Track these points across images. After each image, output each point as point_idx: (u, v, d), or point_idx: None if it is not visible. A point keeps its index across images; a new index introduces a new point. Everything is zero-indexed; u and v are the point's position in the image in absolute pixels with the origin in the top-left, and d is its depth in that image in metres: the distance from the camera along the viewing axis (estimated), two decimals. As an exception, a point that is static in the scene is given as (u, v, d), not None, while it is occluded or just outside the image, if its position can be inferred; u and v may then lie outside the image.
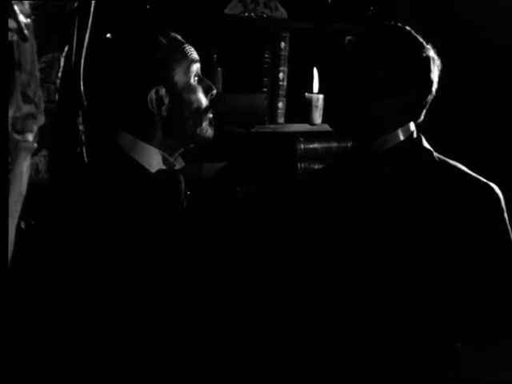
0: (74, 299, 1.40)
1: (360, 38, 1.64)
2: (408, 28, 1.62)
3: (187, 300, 1.54)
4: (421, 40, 1.59)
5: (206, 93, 1.56)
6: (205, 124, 1.55)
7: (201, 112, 1.53)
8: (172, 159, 1.56)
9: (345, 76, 1.61)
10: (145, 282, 1.46)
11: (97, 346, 1.42)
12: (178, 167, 1.57)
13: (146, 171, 1.52)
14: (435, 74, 1.59)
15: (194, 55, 1.54)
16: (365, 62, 1.56)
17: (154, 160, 1.52)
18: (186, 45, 1.53)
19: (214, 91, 1.57)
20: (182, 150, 1.58)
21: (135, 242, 1.45)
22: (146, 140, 1.51)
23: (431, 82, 1.59)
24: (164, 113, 1.50)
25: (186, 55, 1.52)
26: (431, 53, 1.59)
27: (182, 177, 1.59)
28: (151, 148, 1.52)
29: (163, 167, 1.54)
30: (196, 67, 1.54)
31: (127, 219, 1.45)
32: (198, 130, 1.54)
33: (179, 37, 1.54)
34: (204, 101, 1.55)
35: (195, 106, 1.52)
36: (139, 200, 1.48)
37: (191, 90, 1.52)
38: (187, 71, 1.52)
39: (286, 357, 1.69)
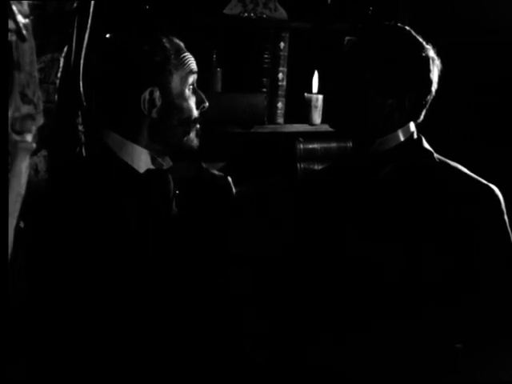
0: (72, 295, 1.41)
1: (360, 38, 1.64)
2: (408, 28, 1.62)
3: (180, 300, 1.54)
4: (420, 40, 1.59)
5: (198, 105, 1.57)
6: (192, 134, 1.56)
7: (190, 122, 1.55)
8: (160, 159, 1.56)
9: (344, 76, 1.61)
10: (136, 281, 1.46)
11: (94, 341, 1.43)
12: (166, 167, 1.58)
13: (135, 171, 1.52)
14: (435, 74, 1.59)
15: (193, 66, 1.56)
16: (364, 62, 1.56)
17: (141, 160, 1.53)
18: (187, 54, 1.55)
19: (206, 104, 1.59)
20: (167, 155, 1.58)
21: (126, 241, 1.45)
22: (133, 141, 1.52)
23: (431, 82, 1.58)
24: (154, 115, 1.51)
25: (185, 64, 1.53)
26: (431, 53, 1.59)
27: (170, 176, 1.60)
28: (139, 148, 1.53)
29: (151, 167, 1.54)
30: (193, 78, 1.56)
31: (117, 220, 1.45)
32: (185, 139, 1.56)
33: (182, 44, 1.56)
34: (195, 112, 1.56)
35: (186, 114, 1.54)
36: (128, 201, 1.48)
37: (184, 98, 1.54)
38: (184, 79, 1.53)
39: (281, 356, 1.70)
